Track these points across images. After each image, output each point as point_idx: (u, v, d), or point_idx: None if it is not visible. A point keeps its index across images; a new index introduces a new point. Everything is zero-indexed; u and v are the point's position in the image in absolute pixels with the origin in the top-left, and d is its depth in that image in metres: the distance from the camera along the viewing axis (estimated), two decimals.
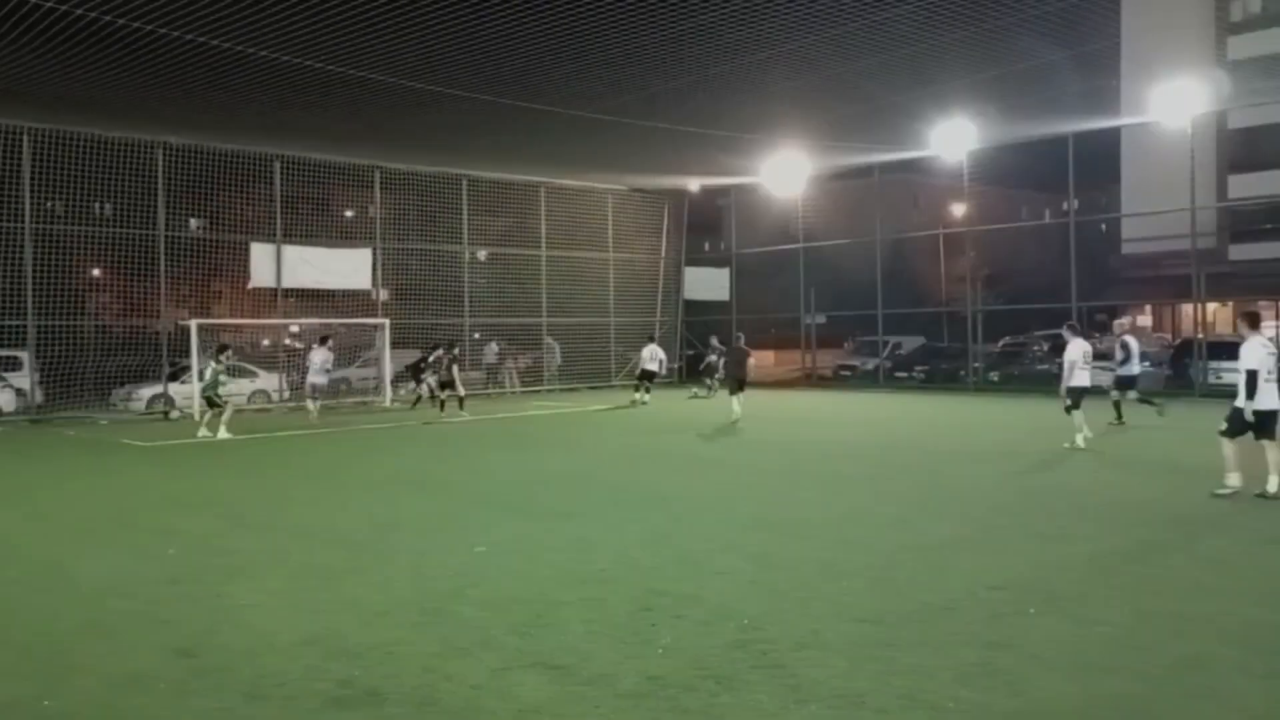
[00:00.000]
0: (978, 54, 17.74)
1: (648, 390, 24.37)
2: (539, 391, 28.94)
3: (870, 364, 30.28)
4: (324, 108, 19.73)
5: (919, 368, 29.78)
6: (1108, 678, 5.00)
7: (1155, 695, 4.80)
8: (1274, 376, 9.91)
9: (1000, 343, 29.77)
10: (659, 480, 12.15)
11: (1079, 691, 4.82)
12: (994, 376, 27.05)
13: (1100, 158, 32.29)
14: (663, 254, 33.39)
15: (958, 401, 23.67)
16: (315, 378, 21.15)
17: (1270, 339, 10.46)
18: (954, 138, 25.46)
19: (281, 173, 24.62)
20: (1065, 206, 28.15)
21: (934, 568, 7.33)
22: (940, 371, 28.76)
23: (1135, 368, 16.79)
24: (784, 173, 28.49)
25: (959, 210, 31.89)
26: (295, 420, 20.60)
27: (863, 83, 19.02)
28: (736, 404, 18.99)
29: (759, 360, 35.44)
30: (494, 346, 29.08)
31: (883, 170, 29.40)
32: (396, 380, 26.18)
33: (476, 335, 28.90)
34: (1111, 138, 35.68)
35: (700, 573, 7.26)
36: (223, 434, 17.34)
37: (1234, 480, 10.00)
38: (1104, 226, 41.49)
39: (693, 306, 33.46)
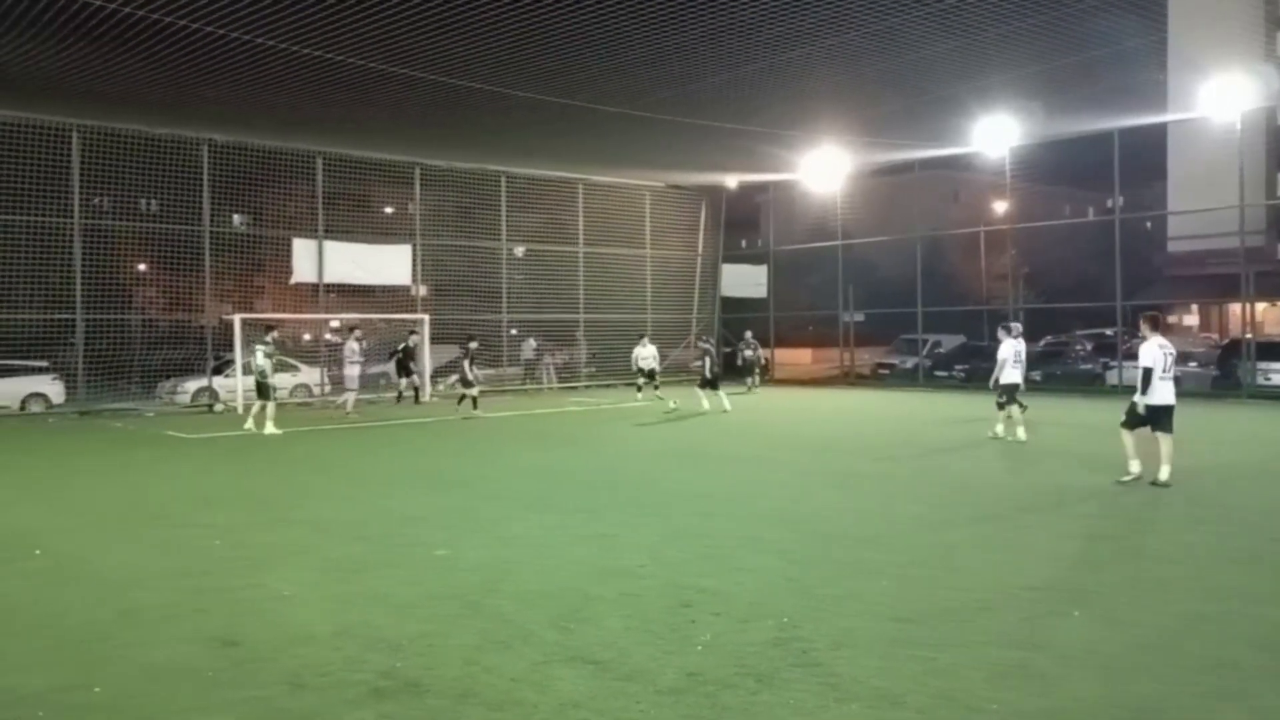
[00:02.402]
0: (1022, 49, 17.51)
1: (639, 389, 23.40)
2: (576, 388, 29.05)
3: (909, 362, 30.00)
4: (366, 105, 19.92)
5: (959, 366, 29.47)
6: (1138, 679, 4.96)
7: (1182, 696, 4.76)
8: (1170, 375, 10.79)
9: (1042, 342, 29.38)
10: (685, 476, 12.18)
11: (1111, 693, 4.78)
12: (1036, 376, 26.70)
13: (1146, 154, 31.74)
14: (699, 251, 33.35)
15: None
16: (351, 369, 21.32)
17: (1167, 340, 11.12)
18: (996, 134, 25.18)
19: (323, 169, 24.91)
20: (1109, 203, 27.69)
21: (966, 567, 7.30)
22: (981, 370, 28.36)
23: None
24: (822, 169, 28.33)
25: (1000, 207, 31.52)
26: (335, 414, 20.85)
27: (904, 78, 18.86)
28: (674, 400, 21.16)
29: (795, 359, 35.46)
30: (532, 343, 29.20)
31: (923, 166, 29.11)
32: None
33: (514, 331, 29.05)
34: (1157, 134, 35.06)
35: (732, 570, 7.26)
36: (270, 429, 17.43)
37: (1134, 467, 10.88)
38: (1149, 224, 40.78)
39: (730, 304, 33.37)
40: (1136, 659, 5.26)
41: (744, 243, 39.42)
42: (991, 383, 15.88)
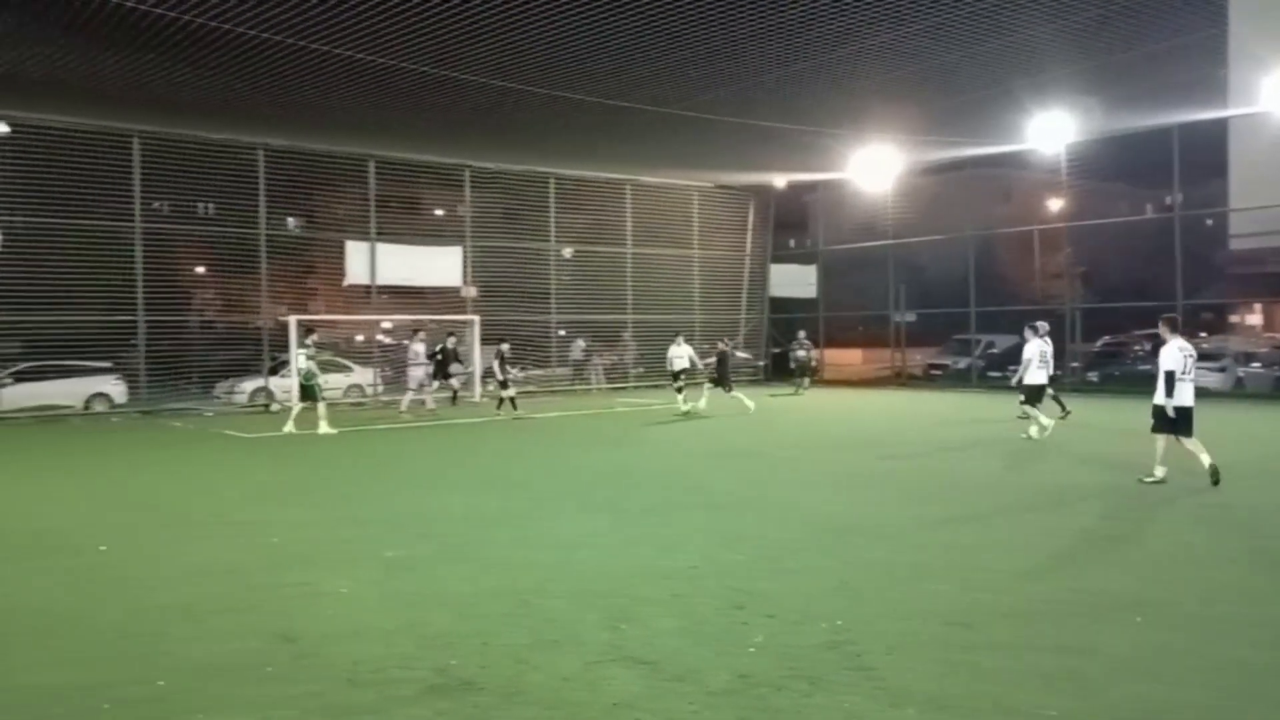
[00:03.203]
0: (1079, 44, 17.20)
1: (679, 390, 22.07)
2: (624, 388, 29.11)
3: (962, 363, 29.60)
4: (416, 108, 20.13)
5: (1013, 367, 29.01)
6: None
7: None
8: (1189, 376, 10.84)
9: (1099, 342, 28.84)
10: (733, 477, 12.17)
11: (1163, 696, 4.72)
12: (1093, 376, 26.24)
13: (1206, 150, 31.04)
14: (748, 251, 33.24)
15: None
16: (416, 370, 21.58)
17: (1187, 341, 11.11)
18: (1051, 130, 24.76)
19: (375, 172, 25.24)
20: (1168, 200, 27.11)
21: (1013, 571, 7.23)
22: None
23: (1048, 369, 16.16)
24: (872, 168, 28.07)
25: (1054, 205, 30.97)
26: (387, 414, 21.13)
27: (957, 75, 18.61)
28: (704, 400, 20.82)
29: (846, 359, 35.17)
30: (580, 343, 29.31)
31: (975, 164, 28.71)
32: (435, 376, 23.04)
33: (562, 332, 29.18)
34: (1218, 129, 34.25)
35: (783, 572, 7.24)
36: (324, 429, 17.68)
37: (1160, 472, 10.81)
38: (1209, 221, 39.84)
39: (779, 304, 33.21)
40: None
41: (792, 242, 39.21)
42: (1015, 382, 15.91)
